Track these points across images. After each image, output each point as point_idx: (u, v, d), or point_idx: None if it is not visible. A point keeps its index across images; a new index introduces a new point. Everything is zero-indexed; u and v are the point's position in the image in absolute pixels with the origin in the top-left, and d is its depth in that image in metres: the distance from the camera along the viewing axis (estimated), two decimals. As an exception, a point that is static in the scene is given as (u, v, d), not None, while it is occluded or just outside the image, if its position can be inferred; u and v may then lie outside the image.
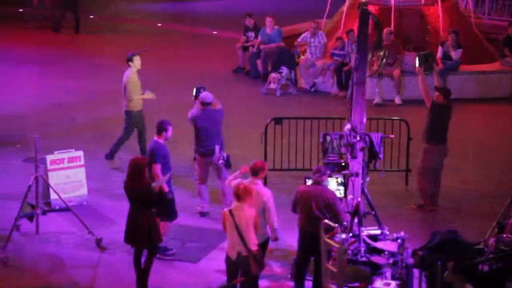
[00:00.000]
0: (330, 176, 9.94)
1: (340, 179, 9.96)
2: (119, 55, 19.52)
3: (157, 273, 10.32)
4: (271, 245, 10.17)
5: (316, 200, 9.51)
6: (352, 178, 9.74)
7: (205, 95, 11.68)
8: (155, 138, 10.71)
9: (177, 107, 16.26)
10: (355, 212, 9.66)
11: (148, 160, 10.32)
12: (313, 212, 9.47)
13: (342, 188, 9.90)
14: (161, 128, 10.65)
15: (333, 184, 9.95)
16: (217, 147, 11.42)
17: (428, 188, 11.87)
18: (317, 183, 9.68)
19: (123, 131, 13.44)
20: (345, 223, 9.63)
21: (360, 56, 9.69)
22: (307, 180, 9.94)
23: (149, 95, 13.38)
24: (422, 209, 11.92)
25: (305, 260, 9.69)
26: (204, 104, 11.56)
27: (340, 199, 9.83)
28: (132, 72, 13.30)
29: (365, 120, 9.91)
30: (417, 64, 11.91)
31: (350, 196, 9.78)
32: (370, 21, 9.82)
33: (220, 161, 11.43)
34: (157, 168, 10.44)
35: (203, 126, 11.53)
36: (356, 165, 9.75)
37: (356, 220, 9.78)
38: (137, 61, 13.27)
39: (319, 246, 9.20)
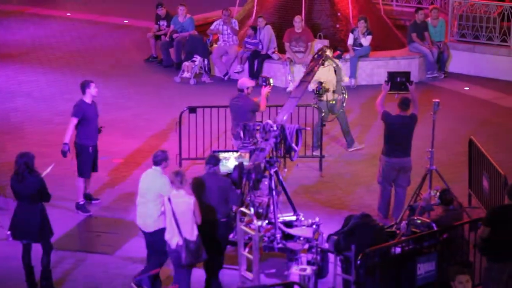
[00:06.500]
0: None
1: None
2: (28, 46, 19.18)
3: (71, 268, 10.21)
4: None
5: (211, 190, 9.50)
6: (257, 152, 9.90)
7: (241, 81, 12.10)
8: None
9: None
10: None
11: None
12: (209, 203, 9.49)
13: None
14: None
15: (232, 162, 10.05)
16: (239, 130, 11.61)
17: (380, 196, 11.40)
18: (210, 173, 9.61)
19: (319, 121, 13.11)
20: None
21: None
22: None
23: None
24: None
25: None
26: (238, 90, 11.93)
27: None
28: None
29: (285, 117, 10.44)
30: (385, 79, 11.53)
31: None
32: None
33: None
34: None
35: (231, 108, 11.99)
36: (265, 144, 9.97)
37: (272, 208, 9.86)
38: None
39: (217, 232, 9.41)
